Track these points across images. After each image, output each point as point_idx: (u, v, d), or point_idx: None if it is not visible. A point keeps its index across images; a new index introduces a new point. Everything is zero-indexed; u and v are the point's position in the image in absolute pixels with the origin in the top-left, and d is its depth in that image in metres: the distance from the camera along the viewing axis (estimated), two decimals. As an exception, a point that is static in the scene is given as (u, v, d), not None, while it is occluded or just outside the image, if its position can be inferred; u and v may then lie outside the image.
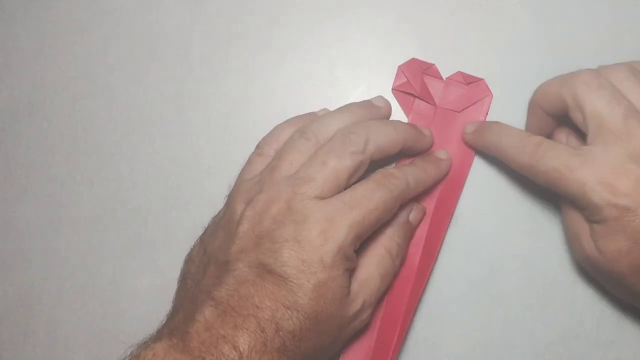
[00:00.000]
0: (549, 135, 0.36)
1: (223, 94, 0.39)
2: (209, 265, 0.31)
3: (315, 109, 0.38)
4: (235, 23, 0.39)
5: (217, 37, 0.39)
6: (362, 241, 0.33)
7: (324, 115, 0.35)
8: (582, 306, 0.36)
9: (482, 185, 0.37)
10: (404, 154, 0.36)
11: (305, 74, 0.39)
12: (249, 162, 0.35)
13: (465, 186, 0.37)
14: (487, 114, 0.37)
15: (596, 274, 0.34)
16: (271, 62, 0.39)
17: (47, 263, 0.38)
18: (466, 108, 0.37)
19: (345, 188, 0.32)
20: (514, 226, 0.37)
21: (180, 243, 0.37)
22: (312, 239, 0.30)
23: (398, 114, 0.38)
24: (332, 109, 0.38)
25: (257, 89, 0.39)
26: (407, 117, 0.38)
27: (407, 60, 0.38)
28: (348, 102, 0.38)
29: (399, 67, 0.38)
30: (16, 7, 0.40)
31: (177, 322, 0.30)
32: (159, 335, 0.30)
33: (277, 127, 0.36)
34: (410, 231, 0.35)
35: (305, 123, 0.35)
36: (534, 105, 0.35)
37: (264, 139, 0.36)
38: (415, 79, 0.37)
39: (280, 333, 0.29)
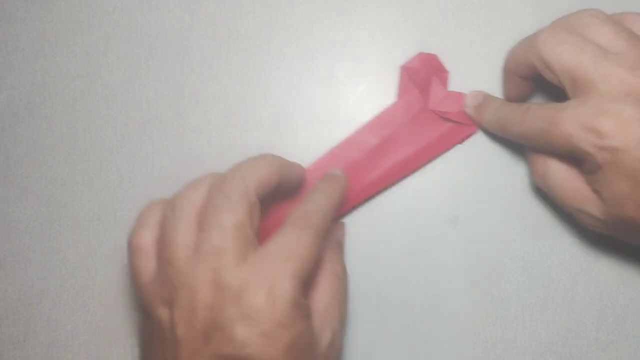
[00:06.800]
0: (531, 96, 0.37)
1: (223, 94, 0.39)
2: None
3: (315, 109, 0.38)
4: (234, 23, 0.39)
5: (217, 37, 0.39)
6: None
7: (181, 191, 0.31)
8: (582, 306, 0.36)
9: (482, 185, 0.37)
10: (282, 188, 0.33)
11: (305, 74, 0.39)
12: (132, 264, 0.30)
13: (465, 186, 0.37)
14: (463, 140, 0.37)
15: (615, 232, 0.33)
16: (271, 62, 0.39)
17: (47, 263, 0.38)
18: (451, 122, 0.37)
19: (255, 237, 0.29)
20: (514, 226, 0.37)
21: (180, 243, 0.37)
22: (261, 306, 0.27)
23: (392, 91, 0.38)
24: (331, 109, 0.38)
25: (256, 88, 0.39)
26: (397, 97, 0.38)
27: (431, 54, 0.38)
28: (348, 102, 0.38)
29: (420, 52, 0.38)
30: (16, 7, 0.40)
31: None
32: None
33: (141, 215, 0.31)
34: (342, 248, 0.34)
35: (163, 207, 0.31)
36: (508, 73, 0.35)
37: (132, 234, 0.30)
38: (425, 73, 0.38)
39: None
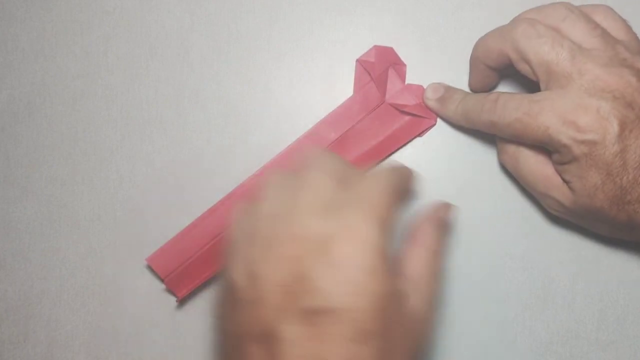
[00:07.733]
0: (495, 88, 0.37)
1: (223, 94, 0.39)
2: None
3: (315, 109, 0.38)
4: (234, 23, 0.39)
5: (217, 37, 0.39)
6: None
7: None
8: (582, 306, 0.36)
9: (482, 186, 0.37)
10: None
11: (305, 74, 0.39)
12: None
13: (464, 186, 0.37)
14: (424, 133, 0.38)
15: (579, 220, 0.34)
16: (271, 62, 0.39)
17: (47, 263, 0.38)
18: (408, 116, 0.37)
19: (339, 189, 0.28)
20: (514, 226, 0.37)
21: (180, 243, 0.37)
22: (347, 254, 0.26)
23: (348, 83, 0.38)
24: (331, 109, 0.38)
25: (256, 88, 0.39)
26: (353, 91, 0.38)
27: (388, 47, 0.38)
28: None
29: (375, 45, 0.38)
30: (16, 7, 0.40)
31: None
32: None
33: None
34: (445, 227, 0.32)
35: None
36: (476, 61, 0.35)
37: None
38: (381, 66, 0.38)
39: None
